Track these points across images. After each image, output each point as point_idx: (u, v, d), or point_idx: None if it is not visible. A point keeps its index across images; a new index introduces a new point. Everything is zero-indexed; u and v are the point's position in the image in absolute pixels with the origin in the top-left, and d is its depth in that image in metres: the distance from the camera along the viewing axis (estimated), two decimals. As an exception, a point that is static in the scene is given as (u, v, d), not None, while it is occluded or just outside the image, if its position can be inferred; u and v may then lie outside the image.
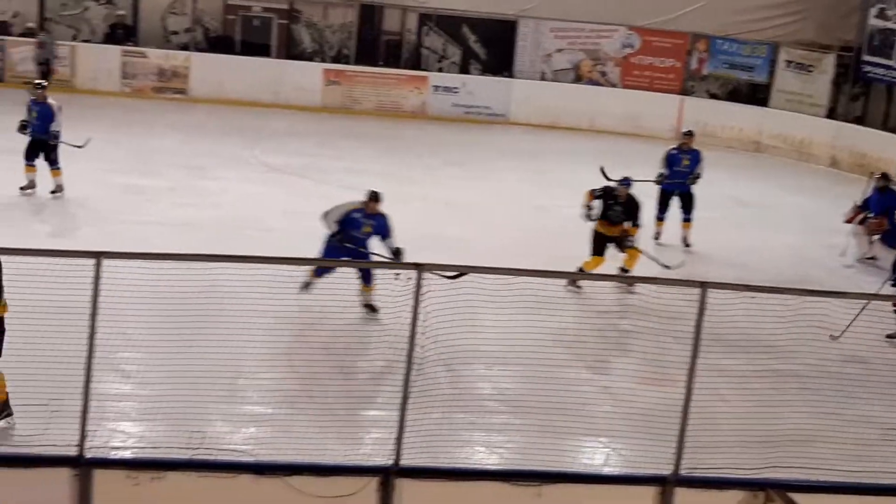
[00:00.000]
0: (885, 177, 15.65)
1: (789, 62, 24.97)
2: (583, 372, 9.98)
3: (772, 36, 25.30)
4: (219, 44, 25.57)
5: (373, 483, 7.81)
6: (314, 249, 11.75)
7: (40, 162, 15.48)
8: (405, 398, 7.84)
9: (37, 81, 15.41)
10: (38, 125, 15.15)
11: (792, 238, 17.10)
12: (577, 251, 13.43)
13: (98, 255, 7.35)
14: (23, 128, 15.07)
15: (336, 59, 25.96)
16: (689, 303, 8.21)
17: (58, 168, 15.23)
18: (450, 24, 26.01)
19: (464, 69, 26.15)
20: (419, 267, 7.85)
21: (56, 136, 15.14)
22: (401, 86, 24.99)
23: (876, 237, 15.36)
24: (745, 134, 24.64)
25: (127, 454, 8.12)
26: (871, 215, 15.32)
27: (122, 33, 24.91)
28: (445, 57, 26.19)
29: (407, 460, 7.88)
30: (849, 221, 15.67)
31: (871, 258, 15.38)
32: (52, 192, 15.16)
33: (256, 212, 15.80)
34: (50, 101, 15.33)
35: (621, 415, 9.16)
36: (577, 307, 11.24)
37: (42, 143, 15.35)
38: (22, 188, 15.07)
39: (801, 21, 25.30)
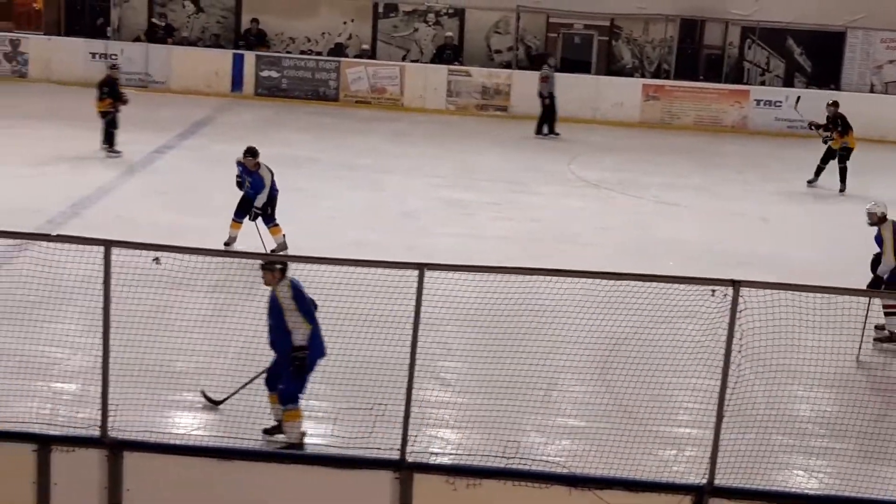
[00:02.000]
0: None
1: None
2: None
3: None
4: (540, 61, 25.97)
5: (685, 501, 7.72)
6: (629, 264, 11.76)
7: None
8: (720, 417, 7.73)
9: (248, 147, 13.74)
10: (250, 193, 13.63)
11: None
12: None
13: (421, 267, 7.63)
14: (240, 184, 13.72)
15: (655, 75, 25.87)
16: None
17: (276, 225, 13.71)
18: (774, 37, 25.40)
19: (787, 82, 25.45)
20: (735, 284, 7.73)
21: (259, 213, 13.60)
22: (721, 100, 24.59)
23: None
24: None
25: (446, 460, 8.38)
26: None
27: (449, 54, 25.75)
28: (768, 70, 25.58)
29: (721, 480, 7.76)
30: None
31: None
32: (272, 250, 13.48)
33: (573, 226, 15.96)
34: (262, 171, 13.68)
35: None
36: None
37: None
38: (225, 244, 13.55)
39: None
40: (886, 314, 11.34)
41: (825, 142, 19.01)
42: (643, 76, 25.77)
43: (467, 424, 8.95)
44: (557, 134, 22.89)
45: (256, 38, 26.02)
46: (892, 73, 25.00)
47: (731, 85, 25.01)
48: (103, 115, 18.76)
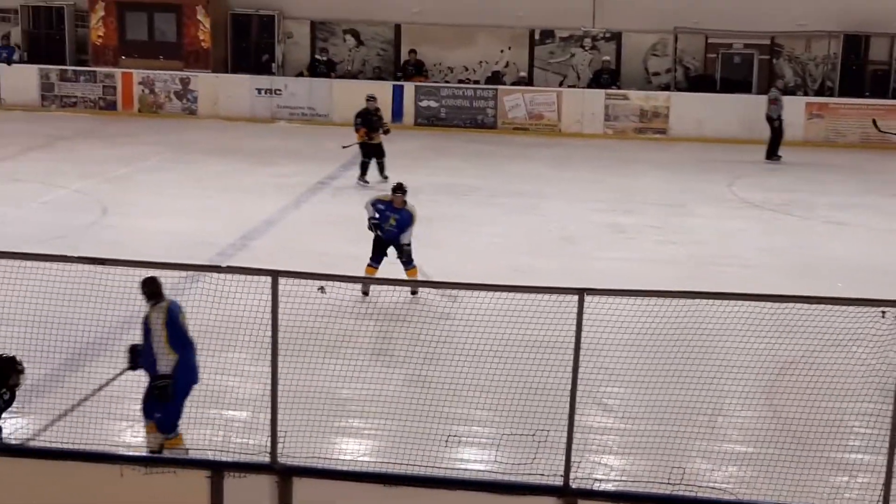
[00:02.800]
0: None
1: None
2: None
3: None
4: (699, 82, 25.72)
5: (858, 528, 7.54)
6: (795, 286, 11.53)
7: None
8: (893, 441, 7.51)
9: (398, 184, 13.40)
10: (393, 231, 13.17)
11: None
12: None
13: (581, 292, 7.64)
14: (376, 226, 13.26)
15: (819, 92, 25.31)
16: None
17: (413, 267, 13.17)
18: (944, 50, 24.62)
19: (959, 96, 24.65)
20: None
21: (406, 249, 13.16)
22: (888, 117, 23.89)
23: None
24: None
25: (610, 486, 8.35)
26: None
27: (606, 78, 25.70)
28: (938, 84, 24.81)
29: (895, 507, 7.55)
30: None
31: None
32: (413, 293, 12.98)
33: (736, 248, 15.73)
34: (409, 206, 13.28)
35: None
36: None
37: (390, 244, 13.39)
38: (364, 293, 12.75)
39: None
40: None
41: None
42: (806, 94, 25.23)
43: (631, 450, 8.90)
44: (779, 157, 22.58)
45: (415, 69, 26.43)
46: None
47: (898, 101, 24.36)
48: (360, 146, 19.45)
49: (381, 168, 19.55)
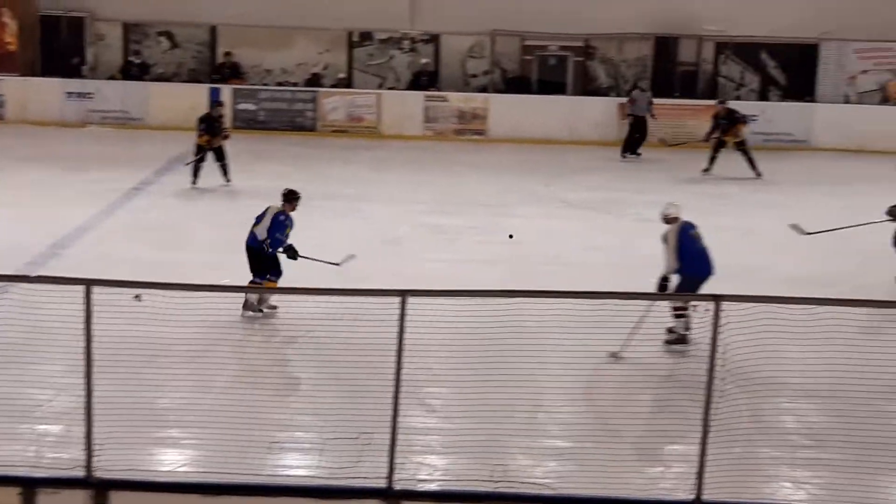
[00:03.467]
0: None
1: None
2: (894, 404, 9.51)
3: None
4: (516, 84, 26.11)
5: (674, 517, 7.75)
6: (613, 283, 11.80)
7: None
8: (706, 431, 7.75)
9: (291, 190, 12.65)
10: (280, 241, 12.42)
11: None
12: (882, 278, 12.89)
13: (403, 294, 7.66)
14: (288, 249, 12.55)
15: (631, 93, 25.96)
16: None
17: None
18: (748, 52, 25.59)
19: (762, 96, 25.62)
20: (717, 298, 7.78)
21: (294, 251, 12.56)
22: (697, 116, 24.69)
23: None
24: None
25: (433, 486, 8.37)
26: None
27: (425, 80, 25.86)
28: (743, 84, 25.74)
29: (709, 495, 7.78)
30: None
31: None
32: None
33: (556, 247, 15.98)
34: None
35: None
36: (884, 334, 10.73)
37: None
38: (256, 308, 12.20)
39: None
40: (676, 316, 11.33)
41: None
42: (619, 95, 25.87)
43: (454, 450, 8.93)
44: (639, 154, 23.59)
45: (231, 72, 26.10)
46: (866, 84, 25.18)
47: (706, 101, 25.12)
48: (198, 149, 19.27)
49: (225, 170, 19.50)
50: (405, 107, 25.44)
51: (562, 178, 21.48)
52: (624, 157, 23.40)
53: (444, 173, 21.68)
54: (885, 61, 25.10)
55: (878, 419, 8.76)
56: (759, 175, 21.27)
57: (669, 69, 25.94)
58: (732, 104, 22.84)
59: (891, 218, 13.79)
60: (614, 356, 10.43)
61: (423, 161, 22.95)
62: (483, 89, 26.10)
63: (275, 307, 12.23)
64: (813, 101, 25.13)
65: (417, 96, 25.46)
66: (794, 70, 25.53)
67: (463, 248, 15.94)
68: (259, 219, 12.61)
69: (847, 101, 25.21)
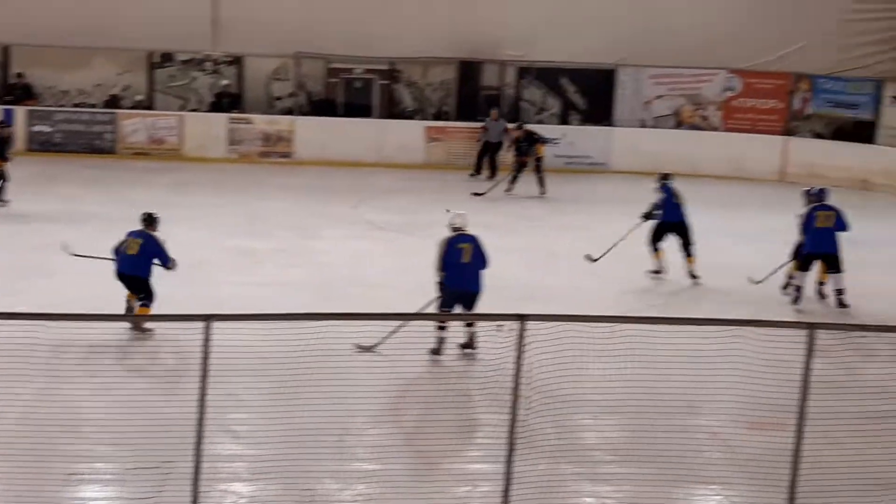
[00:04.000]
0: None
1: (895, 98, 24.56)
2: (689, 418, 9.83)
3: (877, 72, 24.91)
4: (322, 107, 26.06)
5: (482, 536, 7.81)
6: (419, 304, 11.86)
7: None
8: (511, 450, 7.84)
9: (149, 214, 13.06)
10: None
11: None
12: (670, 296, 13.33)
13: (208, 318, 7.51)
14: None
15: (437, 117, 26.25)
16: (796, 345, 8.08)
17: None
18: (548, 76, 26.15)
19: (563, 120, 26.24)
20: (522, 318, 7.87)
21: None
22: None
23: None
24: (853, 173, 24.10)
25: (238, 513, 8.23)
26: None
27: (227, 102, 25.55)
28: (545, 109, 26.31)
29: (516, 513, 7.87)
30: None
31: None
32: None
33: (362, 270, 15.98)
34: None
35: (731, 461, 9.04)
36: (678, 354, 11.10)
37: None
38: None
39: (907, 55, 24.94)
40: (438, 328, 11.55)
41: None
42: (424, 118, 26.09)
43: (261, 476, 8.80)
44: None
45: (23, 93, 25.25)
46: (661, 108, 26.06)
47: (509, 124, 25.53)
48: None
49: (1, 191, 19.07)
50: (208, 129, 25.08)
51: (368, 200, 21.51)
52: (472, 176, 23.91)
53: (249, 196, 21.44)
54: (678, 87, 26.03)
55: (677, 433, 9.04)
56: (543, 193, 22.16)
57: (473, 93, 26.30)
58: (535, 127, 23.37)
59: (644, 220, 15.76)
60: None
61: (227, 184, 22.65)
62: (288, 112, 25.95)
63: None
64: (611, 125, 25.86)
65: (221, 118, 25.13)
66: (593, 95, 26.20)
67: (269, 272, 15.78)
68: (123, 246, 12.55)
69: (643, 126, 26.02)
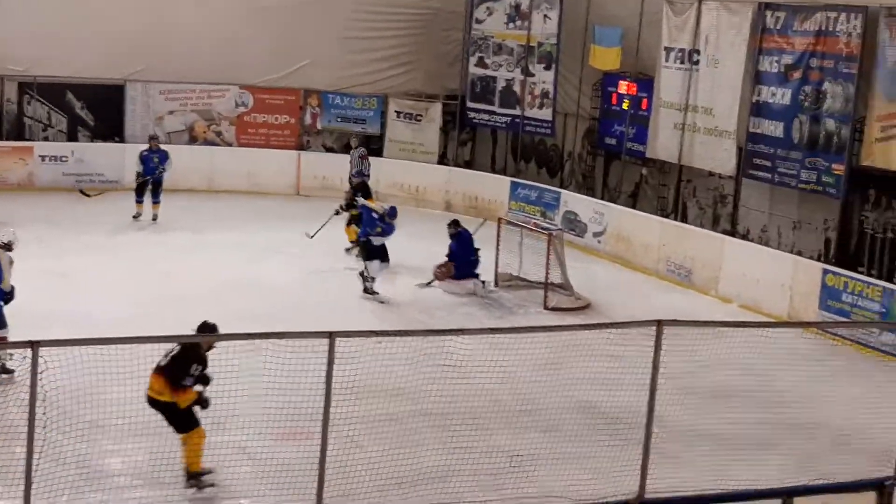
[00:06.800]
0: (454, 223, 17.99)
1: (399, 112, 25.80)
2: (216, 435, 9.71)
3: (382, 88, 26.05)
4: None
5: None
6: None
7: None
8: (28, 484, 7.40)
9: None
10: None
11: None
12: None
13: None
14: None
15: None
16: (318, 354, 8.22)
17: None
18: (53, 92, 25.02)
19: (72, 137, 25.24)
20: (34, 344, 7.43)
21: None
22: (4, 158, 23.79)
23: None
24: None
25: None
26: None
27: None
28: (51, 125, 25.18)
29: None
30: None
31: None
32: None
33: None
34: None
35: (260, 473, 9.10)
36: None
37: None
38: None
39: (409, 73, 26.18)
40: None
41: None
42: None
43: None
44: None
45: None
46: (173, 124, 25.74)
47: (13, 142, 24.29)
48: None
49: None
50: None
51: None
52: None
53: None
54: (189, 102, 25.83)
55: (209, 450, 8.91)
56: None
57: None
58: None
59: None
60: None
61: None
62: None
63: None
64: (123, 141, 25.20)
65: None
66: (102, 110, 25.39)
67: None
68: None
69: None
